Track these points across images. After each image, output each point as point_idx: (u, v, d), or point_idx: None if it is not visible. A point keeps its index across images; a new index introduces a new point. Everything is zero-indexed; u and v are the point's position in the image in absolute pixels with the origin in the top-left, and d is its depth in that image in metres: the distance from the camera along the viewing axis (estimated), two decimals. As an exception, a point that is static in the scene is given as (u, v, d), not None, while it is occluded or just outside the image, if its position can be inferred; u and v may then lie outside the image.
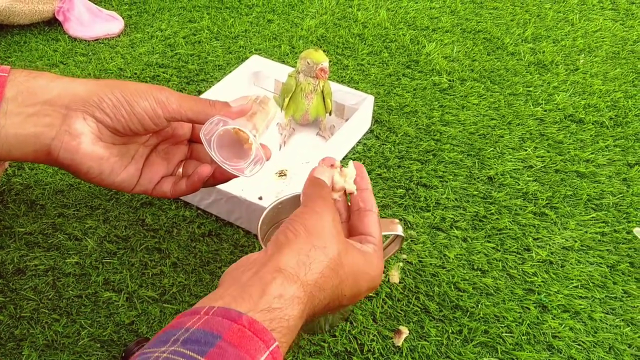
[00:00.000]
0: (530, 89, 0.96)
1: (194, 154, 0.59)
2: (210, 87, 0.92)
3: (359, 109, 0.83)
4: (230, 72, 0.93)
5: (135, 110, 0.50)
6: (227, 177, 0.56)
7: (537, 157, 0.83)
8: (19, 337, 0.61)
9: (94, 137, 0.50)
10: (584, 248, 0.72)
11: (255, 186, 0.77)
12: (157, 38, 1.06)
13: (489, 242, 0.72)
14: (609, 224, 0.74)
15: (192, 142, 0.59)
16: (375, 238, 0.50)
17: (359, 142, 0.85)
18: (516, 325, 0.63)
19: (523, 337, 0.62)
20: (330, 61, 0.79)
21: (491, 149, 0.85)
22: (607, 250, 0.71)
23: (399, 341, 0.61)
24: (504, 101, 0.93)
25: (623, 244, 0.72)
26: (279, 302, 0.41)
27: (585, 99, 0.94)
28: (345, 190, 0.54)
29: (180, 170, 0.57)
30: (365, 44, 1.05)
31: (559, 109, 0.92)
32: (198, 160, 0.58)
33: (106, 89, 0.50)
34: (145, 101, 0.50)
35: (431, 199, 0.77)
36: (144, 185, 0.55)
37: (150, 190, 0.55)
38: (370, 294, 0.65)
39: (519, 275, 0.68)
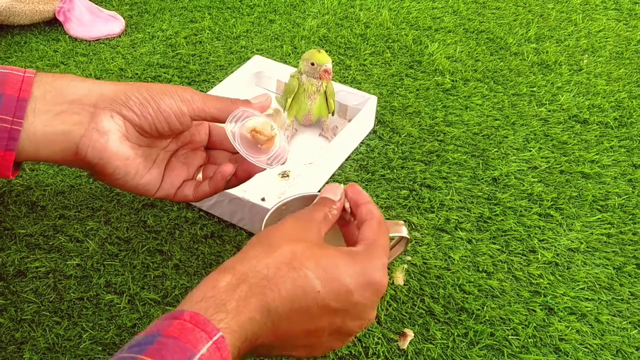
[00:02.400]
0: (534, 89, 0.95)
1: (212, 159, 0.59)
2: (211, 87, 0.91)
3: (362, 110, 0.82)
4: (232, 72, 0.92)
5: (162, 107, 0.51)
6: (249, 174, 0.56)
7: (541, 157, 0.83)
8: (19, 340, 0.61)
9: (121, 135, 0.50)
10: (590, 249, 0.71)
11: (258, 187, 0.76)
12: (158, 38, 1.05)
13: (494, 243, 0.71)
14: (615, 226, 0.74)
15: (209, 149, 0.60)
16: (367, 239, 0.48)
17: (362, 142, 0.85)
18: (522, 327, 0.63)
19: (529, 340, 0.62)
20: (332, 61, 0.78)
21: (495, 149, 0.84)
22: (613, 251, 0.71)
23: (404, 344, 0.61)
24: (508, 101, 0.93)
25: (629, 245, 0.72)
26: (212, 291, 0.41)
27: (589, 100, 0.93)
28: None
29: (200, 175, 0.58)
30: (367, 44, 1.05)
31: (563, 110, 0.91)
32: (216, 165, 0.58)
33: (132, 88, 0.51)
34: (171, 99, 0.51)
35: (435, 200, 0.76)
36: (166, 189, 0.55)
37: (173, 195, 0.55)
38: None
39: (525, 277, 0.68)
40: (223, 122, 0.54)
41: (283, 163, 0.56)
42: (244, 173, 0.56)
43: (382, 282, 0.45)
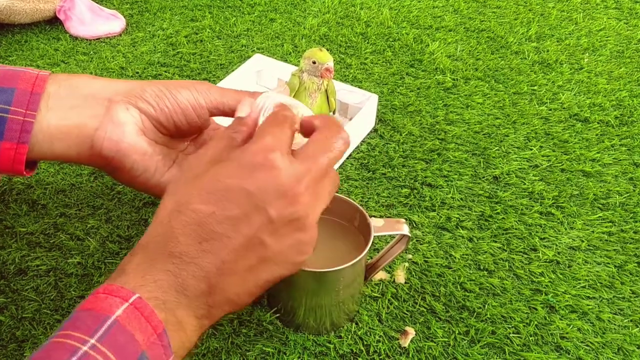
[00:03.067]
0: (535, 88, 0.95)
1: None
2: (212, 86, 0.91)
3: (363, 108, 0.82)
4: (232, 71, 0.92)
5: (179, 100, 0.50)
6: None
7: (542, 156, 0.83)
8: (20, 338, 0.61)
9: (137, 128, 0.49)
10: (591, 248, 0.71)
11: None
12: (158, 37, 1.05)
13: (495, 242, 0.71)
14: (616, 224, 0.74)
15: None
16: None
17: (362, 141, 0.85)
18: (524, 326, 0.62)
19: (531, 338, 0.61)
20: (333, 60, 0.78)
21: (496, 148, 0.84)
22: (615, 250, 0.71)
23: (405, 342, 0.61)
24: (509, 100, 0.93)
25: (630, 243, 0.72)
26: (120, 266, 0.41)
27: (590, 98, 0.93)
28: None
29: None
30: (368, 42, 1.05)
31: (563, 108, 0.91)
32: None
33: (148, 82, 0.50)
34: (188, 91, 0.50)
35: (436, 199, 0.76)
36: None
37: None
38: (375, 294, 0.64)
39: (526, 275, 0.68)
40: None
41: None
42: None
43: (267, 160, 0.41)
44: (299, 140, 0.49)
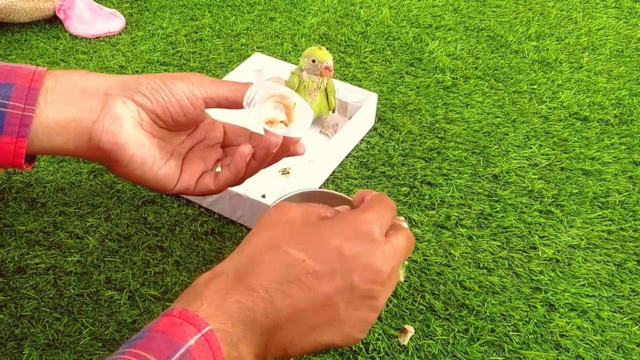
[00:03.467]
0: (535, 86, 0.95)
1: (228, 155, 0.58)
2: (212, 84, 0.91)
3: (363, 107, 0.82)
4: (232, 69, 0.92)
5: (174, 91, 0.51)
6: (269, 152, 0.53)
7: (542, 155, 0.83)
8: (19, 336, 0.61)
9: (134, 121, 0.50)
10: (591, 246, 0.71)
11: (259, 184, 0.76)
12: (158, 36, 1.05)
13: (495, 240, 0.71)
14: (616, 222, 0.74)
15: (224, 147, 0.59)
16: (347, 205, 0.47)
17: (362, 139, 0.85)
18: (523, 324, 0.62)
19: (530, 336, 0.61)
20: (333, 59, 0.78)
21: (496, 146, 0.84)
22: (614, 248, 0.71)
23: (405, 340, 0.60)
24: (508, 99, 0.93)
25: (630, 242, 0.71)
26: (192, 287, 0.42)
27: (589, 97, 0.93)
28: None
29: (219, 169, 0.57)
30: (367, 41, 1.05)
31: (563, 107, 0.91)
32: None
33: (143, 76, 0.51)
34: (182, 82, 0.51)
35: (436, 197, 0.76)
36: (185, 181, 0.54)
37: (193, 187, 0.54)
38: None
39: (525, 273, 0.67)
40: (237, 104, 0.53)
41: (307, 125, 0.54)
42: (262, 152, 0.53)
43: (370, 231, 0.43)
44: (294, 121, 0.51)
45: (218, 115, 0.60)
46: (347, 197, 0.60)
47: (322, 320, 0.43)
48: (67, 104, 0.48)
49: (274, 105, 0.53)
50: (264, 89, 0.52)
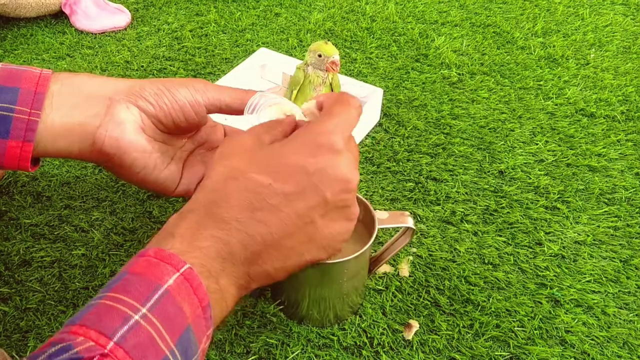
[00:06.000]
0: (541, 83, 0.95)
1: None
2: (217, 80, 0.91)
3: (368, 102, 0.82)
4: (237, 65, 0.92)
5: (177, 97, 0.51)
6: None
7: (548, 151, 0.82)
8: (24, 328, 0.61)
9: (137, 126, 0.51)
10: (597, 242, 0.71)
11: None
12: (164, 31, 1.05)
13: (500, 236, 0.71)
14: (622, 219, 0.73)
15: None
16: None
17: (367, 135, 0.85)
18: (528, 319, 0.62)
19: (535, 332, 0.61)
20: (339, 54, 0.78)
21: (502, 142, 0.84)
22: (620, 244, 0.70)
23: (409, 335, 0.60)
24: (515, 95, 0.92)
25: (636, 238, 0.71)
26: (163, 228, 0.41)
27: (596, 93, 0.93)
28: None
29: None
30: (373, 37, 1.04)
31: (569, 103, 0.91)
32: None
33: (147, 81, 0.51)
34: (185, 89, 0.51)
35: (441, 193, 0.76)
36: (185, 184, 0.55)
37: (193, 191, 0.55)
38: (379, 287, 0.64)
39: (531, 269, 0.67)
40: (238, 111, 0.53)
41: None
42: None
43: (330, 142, 0.42)
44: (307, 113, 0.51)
45: (218, 118, 0.60)
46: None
47: (301, 239, 0.43)
48: (72, 108, 0.49)
49: (274, 115, 0.53)
50: (265, 99, 0.53)
